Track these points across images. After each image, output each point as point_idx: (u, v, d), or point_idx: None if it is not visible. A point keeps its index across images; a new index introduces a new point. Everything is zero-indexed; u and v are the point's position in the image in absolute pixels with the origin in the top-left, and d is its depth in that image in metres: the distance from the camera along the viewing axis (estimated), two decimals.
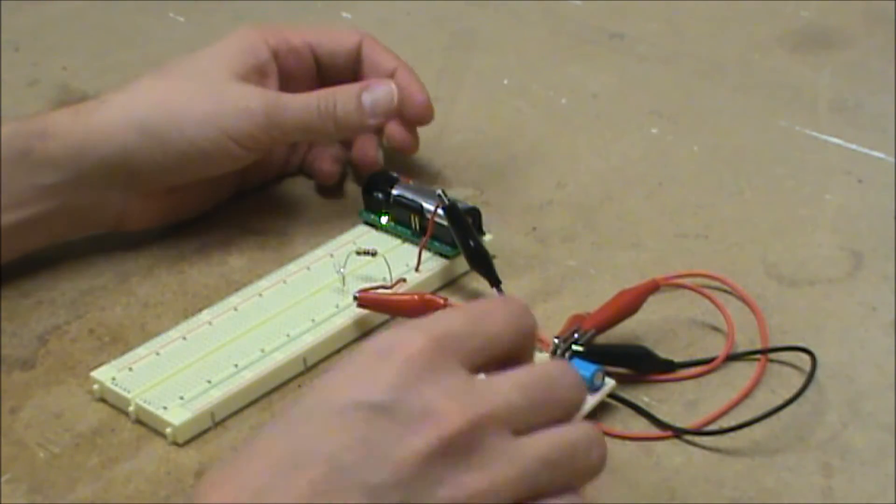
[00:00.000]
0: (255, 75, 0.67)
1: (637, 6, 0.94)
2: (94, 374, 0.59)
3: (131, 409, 0.57)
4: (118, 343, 0.62)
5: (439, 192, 0.65)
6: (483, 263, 0.63)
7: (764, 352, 0.59)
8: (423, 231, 0.66)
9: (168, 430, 0.56)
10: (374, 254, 0.64)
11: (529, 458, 0.43)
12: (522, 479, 0.43)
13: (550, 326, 0.60)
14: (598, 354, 0.57)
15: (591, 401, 0.56)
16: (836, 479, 0.53)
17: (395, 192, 0.67)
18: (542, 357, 0.56)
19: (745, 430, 0.54)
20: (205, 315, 0.62)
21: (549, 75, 0.85)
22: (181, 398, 0.57)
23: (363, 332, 0.62)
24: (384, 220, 0.68)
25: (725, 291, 0.63)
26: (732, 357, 0.59)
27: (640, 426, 0.56)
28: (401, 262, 0.65)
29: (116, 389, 0.58)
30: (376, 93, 0.66)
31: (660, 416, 0.56)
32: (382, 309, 0.61)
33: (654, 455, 0.54)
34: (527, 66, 0.87)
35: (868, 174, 0.73)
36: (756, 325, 0.61)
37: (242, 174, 0.69)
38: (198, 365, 0.59)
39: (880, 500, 0.52)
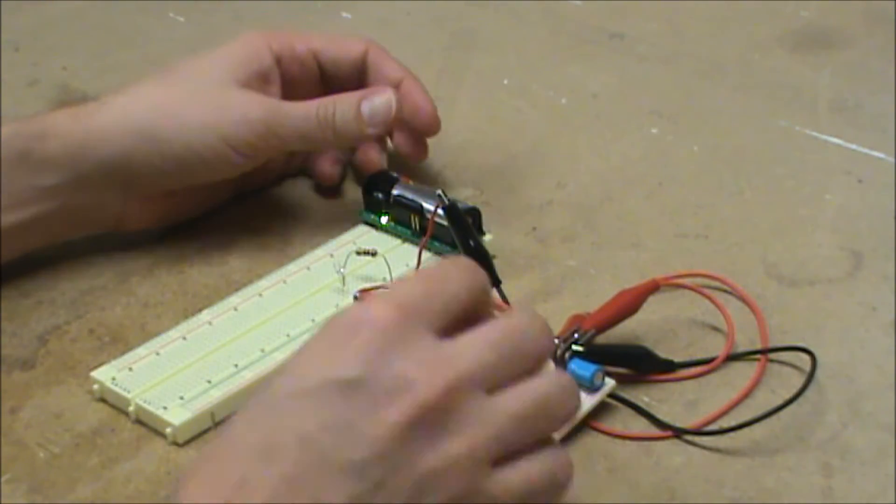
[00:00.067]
0: (258, 82, 0.67)
1: (637, 6, 0.94)
2: (94, 374, 0.59)
3: (131, 409, 0.57)
4: (118, 343, 0.62)
5: (439, 192, 0.65)
6: (483, 263, 0.63)
7: (764, 352, 0.59)
8: (423, 231, 0.66)
9: (168, 430, 0.56)
10: (374, 254, 0.64)
11: (504, 415, 0.43)
12: (499, 437, 0.43)
13: (550, 326, 0.60)
14: (598, 354, 0.57)
15: (591, 401, 0.56)
16: (836, 479, 0.53)
17: (395, 192, 0.67)
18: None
19: (745, 430, 0.54)
20: (205, 315, 0.62)
21: (549, 75, 0.85)
22: (181, 398, 0.57)
23: None
24: (384, 220, 0.68)
25: (725, 291, 0.63)
26: (732, 357, 0.59)
27: (640, 426, 0.56)
28: (401, 262, 0.65)
29: (116, 389, 0.58)
30: (375, 102, 0.65)
31: (660, 416, 0.56)
32: None
33: (654, 455, 0.54)
34: (527, 66, 0.87)
35: (868, 174, 0.73)
36: (756, 325, 0.61)
37: (243, 177, 0.69)
38: (198, 365, 0.59)
39: (880, 500, 0.52)
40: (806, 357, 0.58)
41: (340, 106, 0.65)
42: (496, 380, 0.44)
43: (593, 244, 0.68)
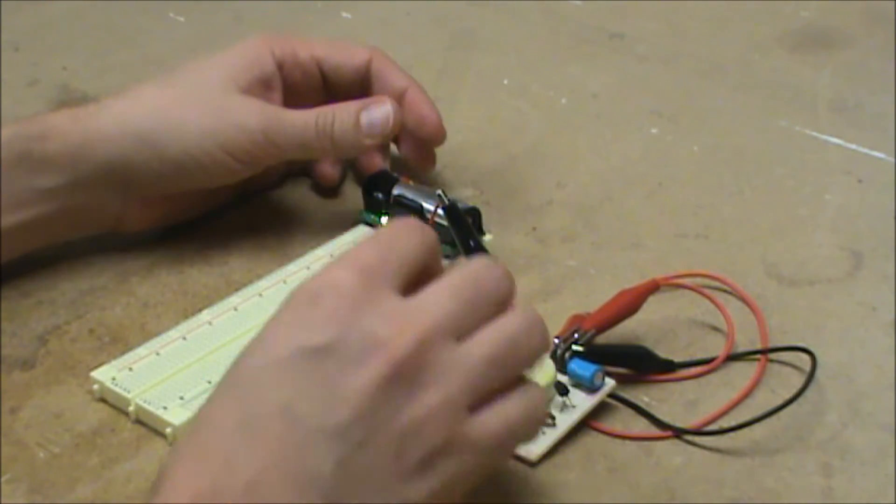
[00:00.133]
0: (260, 88, 0.67)
1: (637, 6, 0.94)
2: (94, 374, 0.58)
3: (131, 409, 0.57)
4: (118, 343, 0.62)
5: (439, 192, 0.65)
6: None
7: (764, 352, 0.59)
8: None
9: (168, 430, 0.56)
10: None
11: (476, 360, 0.44)
12: (473, 382, 0.44)
13: (550, 326, 0.59)
14: (598, 354, 0.57)
15: (591, 401, 0.56)
16: (836, 479, 0.53)
17: (395, 192, 0.67)
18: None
19: (745, 430, 0.54)
20: (205, 315, 0.62)
21: (549, 75, 0.85)
22: (181, 398, 0.57)
23: None
24: (384, 220, 0.68)
25: (725, 291, 0.63)
26: (732, 357, 0.59)
27: (640, 426, 0.56)
28: None
29: (116, 389, 0.58)
30: (373, 113, 0.65)
31: (660, 416, 0.56)
32: None
33: (654, 455, 0.54)
34: (527, 66, 0.87)
35: (868, 174, 0.73)
36: (756, 325, 0.61)
37: (244, 179, 0.69)
38: (198, 365, 0.59)
39: (880, 500, 0.52)
40: (806, 357, 0.58)
41: (339, 116, 0.64)
42: (463, 327, 0.45)
43: (593, 244, 0.68)
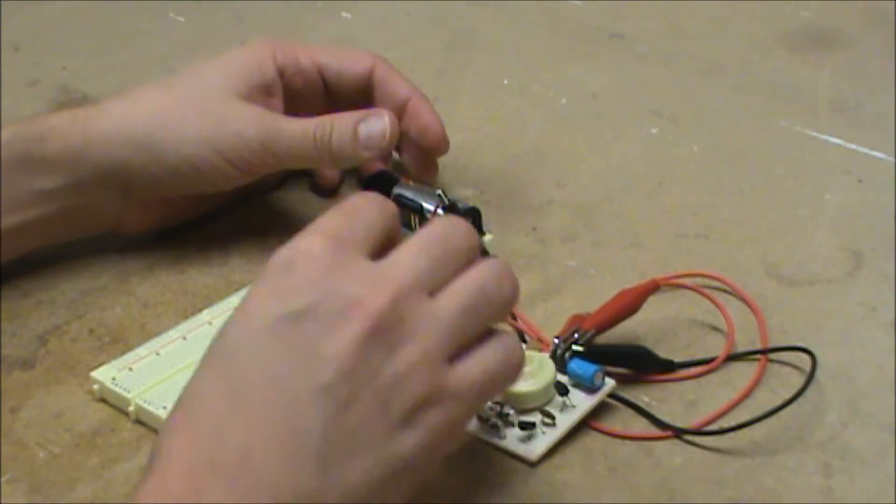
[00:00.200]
0: (260, 94, 0.67)
1: (637, 6, 0.94)
2: (94, 374, 0.59)
3: (131, 409, 0.57)
4: (118, 343, 0.62)
5: (439, 192, 0.64)
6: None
7: (764, 352, 0.59)
8: None
9: None
10: None
11: (449, 311, 0.46)
12: (449, 333, 0.46)
13: (550, 326, 0.60)
14: (598, 354, 0.57)
15: (592, 401, 0.56)
16: (836, 479, 0.53)
17: (395, 192, 0.67)
18: (543, 356, 0.57)
19: (745, 430, 0.54)
20: (205, 315, 0.62)
21: (549, 75, 0.85)
22: None
23: None
24: None
25: (725, 291, 0.63)
26: (732, 357, 0.59)
27: (640, 426, 0.56)
28: None
29: (116, 389, 0.58)
30: (371, 126, 0.64)
31: (660, 416, 0.56)
32: None
33: (654, 455, 0.54)
34: (527, 66, 0.87)
35: (868, 174, 0.73)
36: (756, 325, 0.61)
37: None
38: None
39: (880, 500, 0.52)
40: (806, 357, 0.58)
41: (337, 128, 0.64)
42: (434, 282, 0.46)
43: (593, 244, 0.68)
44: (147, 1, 0.97)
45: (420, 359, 0.45)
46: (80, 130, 0.64)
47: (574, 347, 0.57)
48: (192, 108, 0.65)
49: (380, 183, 0.68)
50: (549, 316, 0.62)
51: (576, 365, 0.56)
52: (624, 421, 0.56)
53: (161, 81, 0.67)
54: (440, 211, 0.64)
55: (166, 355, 0.59)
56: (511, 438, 0.54)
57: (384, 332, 0.44)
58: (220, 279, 0.66)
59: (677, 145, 0.77)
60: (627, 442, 0.55)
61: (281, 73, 0.68)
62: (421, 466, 0.45)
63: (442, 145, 0.69)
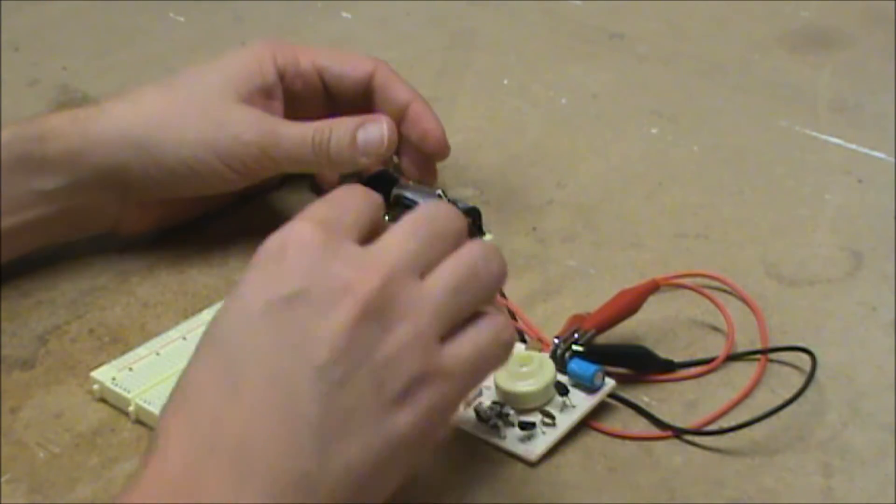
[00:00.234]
0: (261, 97, 0.66)
1: (637, 6, 0.94)
2: (94, 374, 0.59)
3: (131, 409, 0.57)
4: (118, 343, 0.62)
5: (439, 191, 0.64)
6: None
7: (764, 352, 0.59)
8: None
9: None
10: None
11: (439, 291, 0.47)
12: (441, 312, 0.46)
13: (550, 326, 0.60)
14: (598, 354, 0.57)
15: (591, 401, 0.56)
16: (836, 479, 0.53)
17: (394, 192, 0.67)
18: (543, 356, 0.57)
19: (745, 430, 0.54)
20: (205, 315, 0.62)
21: (549, 75, 0.85)
22: None
23: None
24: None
25: (725, 291, 0.63)
26: (732, 357, 0.59)
27: (640, 426, 0.56)
28: None
29: (116, 389, 0.58)
30: (369, 132, 0.64)
31: (660, 416, 0.56)
32: None
33: (654, 455, 0.54)
34: (527, 66, 0.87)
35: (868, 174, 0.73)
36: (756, 325, 0.61)
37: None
38: None
39: (880, 500, 0.52)
40: (806, 357, 0.58)
41: (336, 133, 0.64)
42: (424, 263, 0.47)
43: (593, 244, 0.68)
44: (147, 1, 0.97)
45: (412, 338, 0.45)
46: (80, 131, 0.64)
47: (574, 347, 0.57)
48: (191, 110, 0.65)
49: (380, 183, 0.68)
50: (549, 316, 0.62)
51: (576, 365, 0.56)
52: (624, 421, 0.56)
53: (161, 83, 0.67)
54: None
55: (166, 355, 0.59)
56: (511, 438, 0.54)
57: (376, 313, 0.45)
58: (220, 279, 0.66)
59: (677, 145, 0.77)
60: (627, 442, 0.55)
61: (281, 76, 0.67)
62: (417, 445, 0.46)
63: (442, 150, 0.69)
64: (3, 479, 0.54)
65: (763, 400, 0.57)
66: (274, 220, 0.70)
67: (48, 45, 0.92)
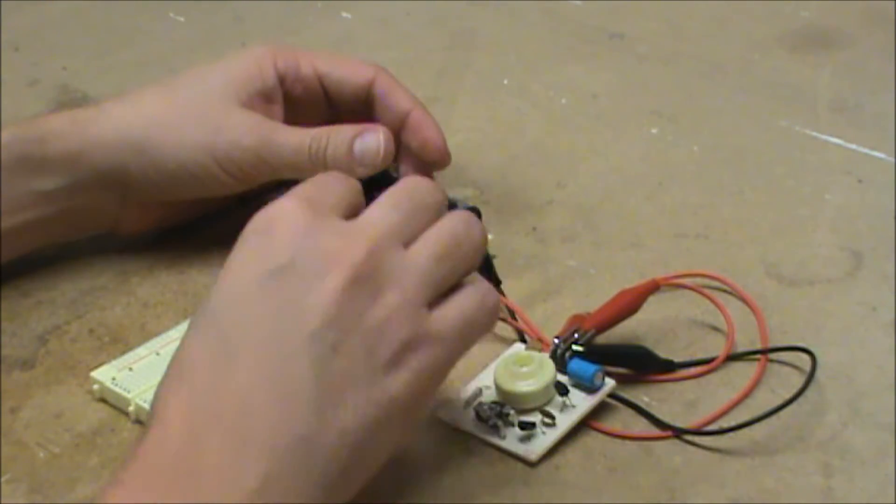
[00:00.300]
0: (261, 101, 0.66)
1: (637, 6, 0.94)
2: (94, 374, 0.59)
3: (131, 409, 0.57)
4: (118, 343, 0.62)
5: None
6: (483, 263, 0.63)
7: (764, 352, 0.59)
8: None
9: None
10: None
11: (424, 259, 0.49)
12: (426, 280, 0.48)
13: (550, 326, 0.60)
14: (598, 354, 0.57)
15: (592, 401, 0.56)
16: (836, 479, 0.53)
17: None
18: (543, 356, 0.57)
19: (745, 430, 0.54)
20: None
21: (549, 75, 0.85)
22: None
23: None
24: None
25: (725, 291, 0.63)
26: (732, 357, 0.59)
27: (640, 426, 0.56)
28: None
29: (116, 389, 0.58)
30: (366, 142, 0.64)
31: (660, 416, 0.56)
32: None
33: (654, 455, 0.54)
34: (527, 66, 0.87)
35: (868, 174, 0.73)
36: (756, 325, 0.61)
37: None
38: None
39: (880, 500, 0.52)
40: (806, 357, 0.58)
41: (333, 142, 0.64)
42: (407, 234, 0.49)
43: (593, 244, 0.68)
44: (147, 1, 0.98)
45: (400, 304, 0.47)
46: (80, 133, 0.64)
47: (574, 347, 0.57)
48: (190, 114, 0.65)
49: (380, 183, 0.68)
50: (549, 316, 0.62)
51: (576, 365, 0.56)
52: (624, 421, 0.56)
53: (161, 85, 0.67)
54: None
55: (166, 355, 0.59)
56: (511, 438, 0.54)
57: (364, 280, 0.47)
58: None
59: (677, 145, 0.77)
60: (627, 442, 0.55)
61: (281, 80, 0.67)
62: (411, 408, 0.48)
63: (443, 159, 0.68)
64: (3, 479, 0.54)
65: (763, 400, 0.57)
66: None
67: (48, 45, 0.92)
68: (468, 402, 0.56)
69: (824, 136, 0.77)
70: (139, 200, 0.66)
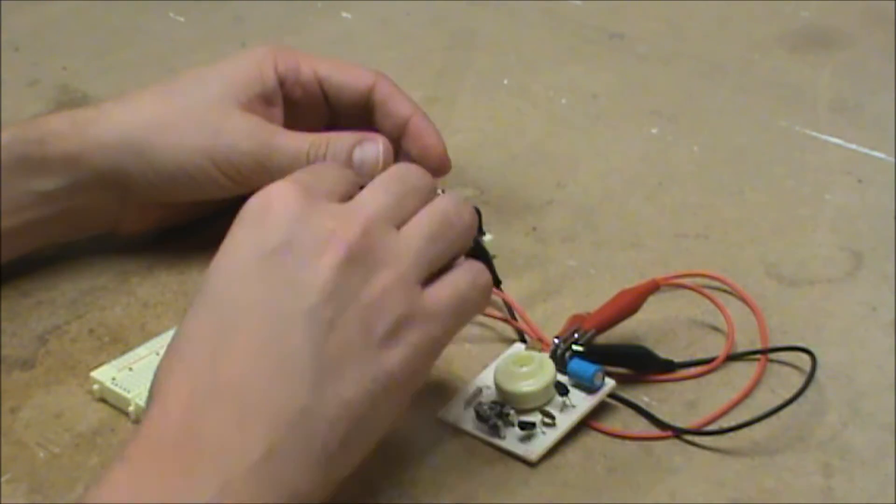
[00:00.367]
0: (260, 104, 0.66)
1: (637, 6, 0.94)
2: (94, 374, 0.59)
3: (131, 409, 0.57)
4: (118, 343, 0.62)
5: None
6: (484, 263, 0.63)
7: (764, 352, 0.59)
8: None
9: None
10: None
11: (416, 239, 0.50)
12: (419, 258, 0.50)
13: (550, 326, 0.60)
14: (598, 354, 0.57)
15: (591, 401, 0.56)
16: (836, 479, 0.53)
17: None
18: (543, 356, 0.57)
19: (745, 430, 0.54)
20: None
21: (549, 75, 0.85)
22: None
23: None
24: None
25: (725, 291, 0.63)
26: (732, 357, 0.59)
27: (640, 426, 0.56)
28: None
29: (116, 389, 0.58)
30: (365, 152, 0.64)
31: (660, 416, 0.56)
32: None
33: (654, 455, 0.54)
34: (527, 66, 0.87)
35: (868, 174, 0.73)
36: (756, 325, 0.61)
37: None
38: None
39: (880, 500, 0.52)
40: (806, 357, 0.58)
41: (332, 149, 0.64)
42: (399, 215, 0.51)
43: (593, 244, 0.68)
44: (147, 1, 0.98)
45: (394, 282, 0.49)
46: (79, 134, 0.64)
47: (574, 347, 0.57)
48: (190, 116, 0.65)
49: None
50: (549, 316, 0.62)
51: (576, 365, 0.56)
52: (624, 421, 0.56)
53: (161, 86, 0.67)
54: None
55: None
56: (511, 438, 0.54)
57: (359, 259, 0.48)
58: None
59: (677, 145, 0.77)
60: (627, 442, 0.55)
61: (281, 83, 0.67)
62: (407, 383, 0.49)
63: (443, 166, 0.68)
64: (3, 479, 0.54)
65: (763, 400, 0.57)
66: None
67: (48, 45, 0.92)
68: (468, 402, 0.56)
69: (824, 136, 0.77)
70: (139, 201, 0.66)
